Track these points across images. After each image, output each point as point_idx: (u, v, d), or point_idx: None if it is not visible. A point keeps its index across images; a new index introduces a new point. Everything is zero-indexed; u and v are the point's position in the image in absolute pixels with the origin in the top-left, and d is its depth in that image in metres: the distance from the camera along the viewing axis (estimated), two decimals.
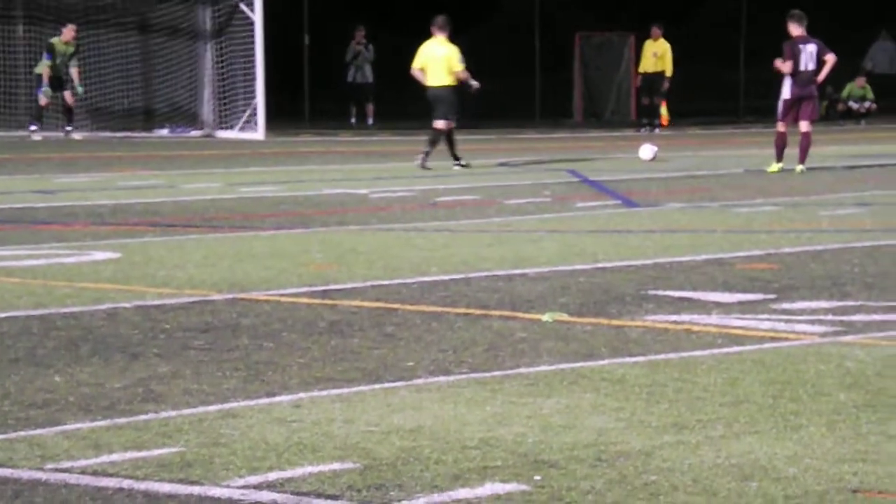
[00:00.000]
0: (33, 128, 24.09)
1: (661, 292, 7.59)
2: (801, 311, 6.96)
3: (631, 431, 4.69)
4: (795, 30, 16.61)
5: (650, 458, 4.36)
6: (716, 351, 6.04)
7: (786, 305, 7.14)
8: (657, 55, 27.69)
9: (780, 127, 16.65)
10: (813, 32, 16.90)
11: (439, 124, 16.92)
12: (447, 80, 16.91)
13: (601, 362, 5.81)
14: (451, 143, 17.06)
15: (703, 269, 8.56)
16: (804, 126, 16.60)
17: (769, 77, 17.94)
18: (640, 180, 15.84)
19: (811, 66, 16.54)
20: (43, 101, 24.06)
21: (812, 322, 6.67)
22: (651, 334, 6.41)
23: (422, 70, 17.08)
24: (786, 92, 16.55)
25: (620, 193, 14.05)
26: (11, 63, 25.47)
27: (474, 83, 17.12)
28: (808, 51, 16.52)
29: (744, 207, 12.66)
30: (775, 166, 16.59)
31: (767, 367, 5.70)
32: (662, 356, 5.93)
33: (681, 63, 28.23)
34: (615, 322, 6.72)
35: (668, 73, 27.57)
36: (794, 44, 16.48)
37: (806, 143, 16.60)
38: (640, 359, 5.88)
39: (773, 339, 6.32)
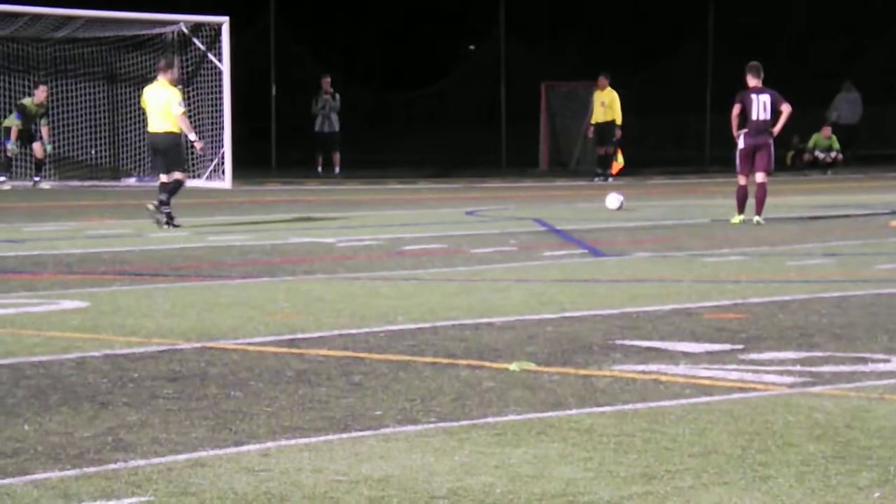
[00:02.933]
0: (2, 178, 24.07)
1: (628, 342, 7.61)
2: (770, 362, 6.97)
3: (599, 482, 4.70)
4: (751, 81, 16.80)
5: None
6: (684, 401, 6.05)
7: (754, 356, 7.15)
8: (605, 104, 27.88)
9: (741, 180, 16.77)
10: (781, 82, 17.03)
11: (177, 175, 15.77)
12: (171, 126, 15.73)
13: (569, 412, 5.82)
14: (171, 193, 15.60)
15: (670, 318, 8.58)
16: (760, 177, 16.72)
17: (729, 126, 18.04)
18: (606, 230, 15.91)
19: (764, 116, 16.69)
20: (10, 153, 24.08)
21: (780, 373, 6.69)
22: (619, 384, 6.43)
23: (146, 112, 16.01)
24: (740, 142, 16.72)
25: (587, 243, 14.10)
26: None
27: (195, 140, 15.90)
28: (762, 101, 16.67)
29: (711, 257, 12.71)
30: (737, 218, 16.69)
31: (736, 418, 5.71)
32: (630, 406, 5.95)
33: (646, 111, 28.39)
34: (583, 371, 6.73)
35: (618, 121, 27.75)
36: (745, 94, 16.66)
37: (762, 195, 16.70)
38: (609, 409, 5.90)
39: (741, 389, 6.33)
